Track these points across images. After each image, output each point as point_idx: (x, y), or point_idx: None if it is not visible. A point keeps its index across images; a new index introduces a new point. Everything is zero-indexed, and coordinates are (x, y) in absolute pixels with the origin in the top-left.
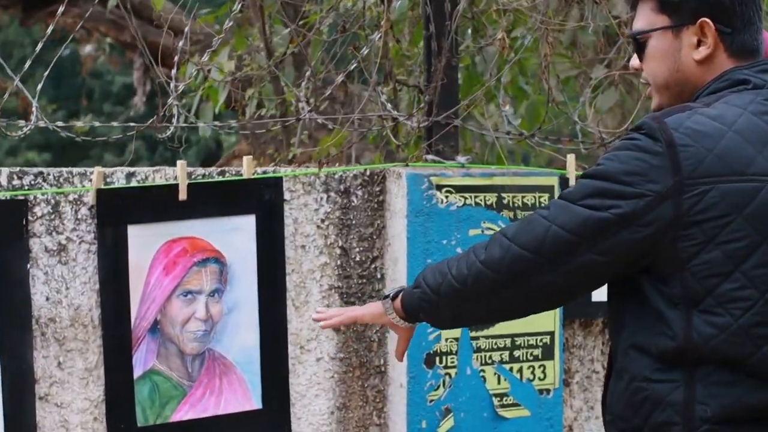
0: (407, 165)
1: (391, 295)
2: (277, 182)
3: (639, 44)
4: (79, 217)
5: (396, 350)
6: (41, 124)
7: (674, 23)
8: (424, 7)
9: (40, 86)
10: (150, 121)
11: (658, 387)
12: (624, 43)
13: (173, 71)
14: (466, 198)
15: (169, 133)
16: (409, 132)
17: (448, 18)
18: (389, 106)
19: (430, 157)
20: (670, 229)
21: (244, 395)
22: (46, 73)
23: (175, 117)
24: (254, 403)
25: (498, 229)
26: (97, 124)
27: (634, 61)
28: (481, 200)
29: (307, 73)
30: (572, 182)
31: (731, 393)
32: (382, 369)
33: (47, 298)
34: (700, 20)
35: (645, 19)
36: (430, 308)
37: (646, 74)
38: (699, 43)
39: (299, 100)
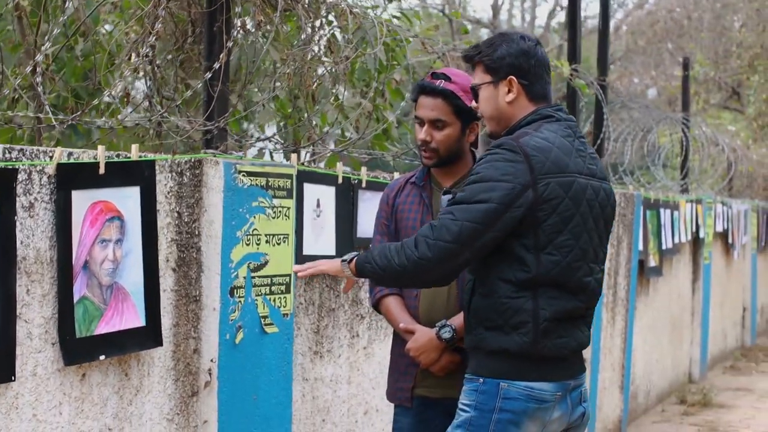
0: (215, 155)
1: (348, 260)
2: (152, 164)
3: (476, 93)
4: (42, 183)
5: (344, 288)
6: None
7: (493, 80)
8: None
9: None
10: None
11: (517, 301)
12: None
13: None
14: (251, 180)
15: None
16: (184, 133)
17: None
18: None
19: (210, 151)
20: (532, 206)
21: (135, 315)
22: None
23: None
24: (141, 321)
25: (265, 201)
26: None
27: (475, 103)
28: (257, 182)
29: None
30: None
31: (558, 303)
32: (198, 298)
33: (21, 242)
34: (508, 77)
35: (478, 77)
36: (377, 277)
37: (481, 111)
38: (508, 91)
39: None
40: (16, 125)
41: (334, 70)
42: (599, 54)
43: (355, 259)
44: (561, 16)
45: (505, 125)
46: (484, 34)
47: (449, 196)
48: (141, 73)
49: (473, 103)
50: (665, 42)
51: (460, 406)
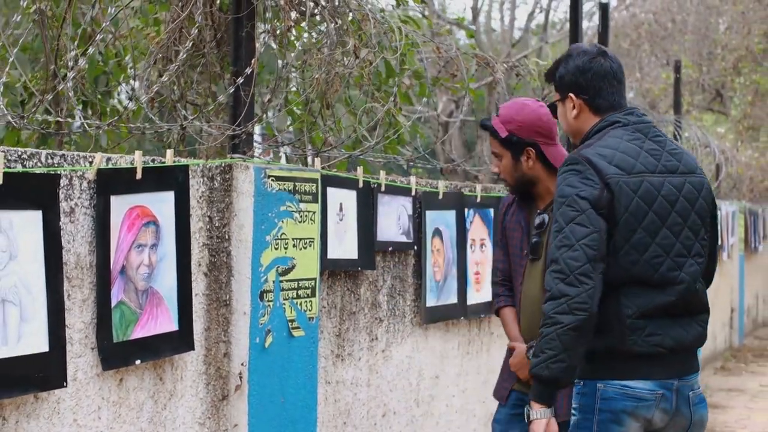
0: (244, 160)
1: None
2: (186, 168)
3: (555, 110)
4: (82, 188)
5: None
6: None
7: (560, 98)
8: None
9: None
10: None
11: (601, 303)
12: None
13: None
14: (279, 185)
15: None
16: (215, 138)
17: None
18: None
19: (237, 155)
20: (610, 204)
21: (169, 320)
22: None
23: None
24: (174, 325)
25: (293, 206)
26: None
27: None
28: (284, 187)
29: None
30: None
31: (642, 299)
32: (228, 302)
33: (62, 247)
34: (568, 95)
35: (555, 95)
36: (566, 357)
37: (562, 126)
38: (573, 107)
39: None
40: (38, 129)
41: (354, 74)
42: None
43: (534, 384)
44: (540, 18)
45: (579, 136)
46: (462, 36)
47: (542, 216)
48: (166, 78)
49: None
50: (649, 44)
51: (571, 410)
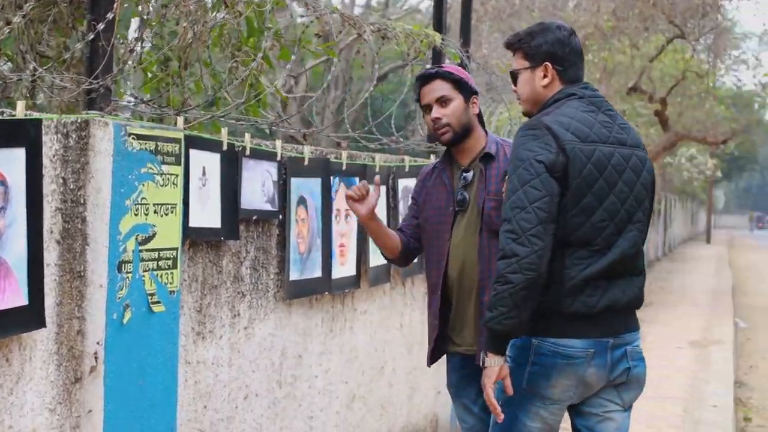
0: (103, 116)
1: (487, 350)
2: (39, 123)
3: (514, 77)
4: None
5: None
6: None
7: (531, 65)
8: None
9: None
10: None
11: (550, 263)
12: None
13: None
14: (141, 144)
15: None
16: (69, 92)
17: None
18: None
19: (93, 112)
20: (565, 168)
21: (18, 293)
22: None
23: None
24: (24, 299)
25: (154, 168)
26: None
27: (514, 86)
28: (146, 146)
29: None
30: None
31: (586, 263)
32: (83, 274)
33: None
34: (544, 63)
35: (518, 62)
36: (514, 315)
37: (519, 92)
38: (544, 76)
39: None
40: None
41: (214, 33)
42: (462, 25)
43: (487, 335)
44: None
45: (538, 104)
46: (302, 12)
47: (469, 174)
48: (18, 19)
49: (515, 86)
50: (490, 21)
51: (506, 357)
